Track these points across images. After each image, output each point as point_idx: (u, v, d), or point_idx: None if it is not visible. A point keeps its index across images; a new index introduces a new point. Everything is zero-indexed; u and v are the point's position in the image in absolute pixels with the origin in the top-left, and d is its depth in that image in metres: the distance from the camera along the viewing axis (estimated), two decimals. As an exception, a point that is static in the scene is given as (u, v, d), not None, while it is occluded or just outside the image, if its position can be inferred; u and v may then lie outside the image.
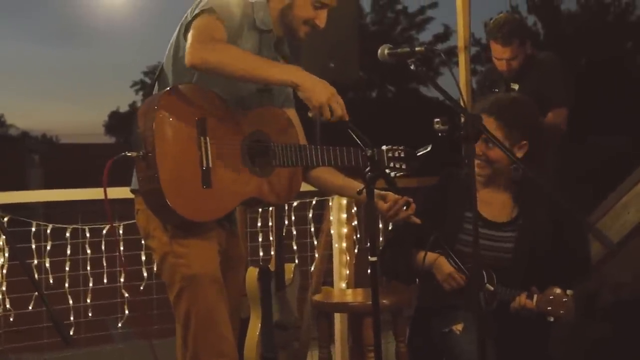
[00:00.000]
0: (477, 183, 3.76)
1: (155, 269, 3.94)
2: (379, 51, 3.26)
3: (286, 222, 5.13)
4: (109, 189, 4.65)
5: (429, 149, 3.45)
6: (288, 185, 3.36)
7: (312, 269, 5.39)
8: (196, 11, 3.09)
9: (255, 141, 3.22)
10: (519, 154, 3.72)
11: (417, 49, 3.26)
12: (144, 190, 3.07)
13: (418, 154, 3.45)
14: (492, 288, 3.59)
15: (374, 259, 3.09)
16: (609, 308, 5.08)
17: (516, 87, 5.24)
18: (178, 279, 3.13)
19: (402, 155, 3.42)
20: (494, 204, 3.84)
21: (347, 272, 5.41)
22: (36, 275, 4.61)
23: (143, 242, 3.47)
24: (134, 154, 3.00)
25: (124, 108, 49.53)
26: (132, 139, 3.07)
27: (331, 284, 5.43)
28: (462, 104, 3.28)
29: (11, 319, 4.67)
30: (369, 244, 5.50)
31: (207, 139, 3.05)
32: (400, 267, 3.83)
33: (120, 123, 48.70)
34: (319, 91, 3.03)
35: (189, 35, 3.06)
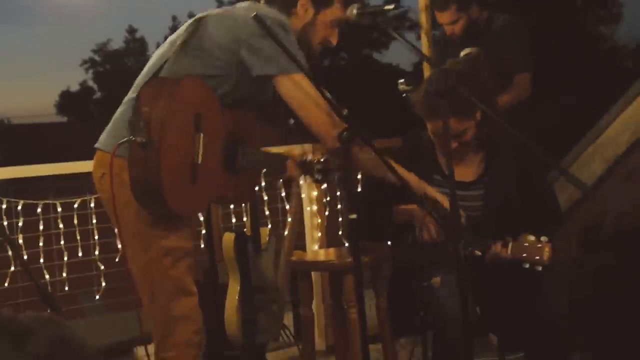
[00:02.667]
0: (438, 144, 3.82)
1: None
2: (347, 11, 3.28)
3: (256, 188, 5.16)
4: (82, 162, 4.66)
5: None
6: (250, 185, 3.47)
7: (285, 232, 5.42)
8: (288, 66, 3.10)
9: (232, 142, 3.23)
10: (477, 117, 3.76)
11: (386, 7, 3.29)
12: (135, 176, 2.98)
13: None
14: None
15: (354, 216, 3.09)
16: (611, 238, 5.17)
17: (475, 50, 5.07)
18: (153, 247, 3.12)
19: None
20: (459, 164, 3.84)
21: (319, 234, 5.46)
22: (10, 252, 4.58)
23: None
24: (139, 139, 2.91)
25: (75, 87, 49.08)
26: (131, 121, 2.99)
27: (303, 248, 5.48)
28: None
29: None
30: (340, 204, 5.65)
31: (201, 135, 3.04)
32: (377, 223, 3.85)
33: (71, 102, 48.24)
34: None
35: (302, 104, 3.17)
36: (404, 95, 3.93)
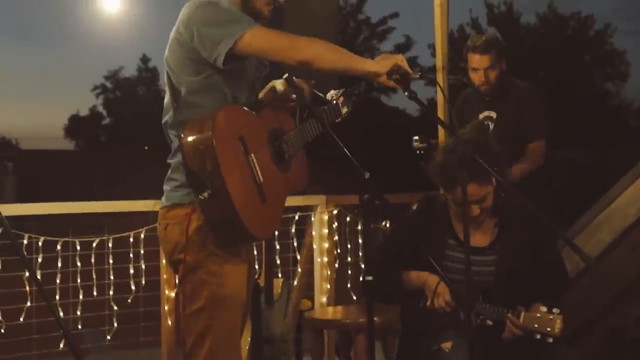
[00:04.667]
0: (455, 213, 3.91)
1: (176, 281, 3.90)
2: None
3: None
4: (103, 203, 4.75)
5: (362, 85, 3.68)
6: (302, 173, 3.49)
7: (295, 283, 5.50)
8: (233, 31, 3.13)
9: (275, 139, 3.32)
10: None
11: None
12: (213, 220, 3.07)
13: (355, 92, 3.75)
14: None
15: (370, 277, 3.17)
16: (636, 343, 5.23)
17: (493, 114, 5.30)
18: (205, 295, 3.19)
19: (343, 97, 3.67)
20: (473, 230, 3.91)
21: (328, 286, 5.54)
22: (27, 288, 4.67)
23: (164, 257, 3.42)
24: (206, 194, 3.00)
25: (84, 112, 49.32)
26: (188, 176, 3.09)
27: (312, 298, 5.56)
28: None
29: (2, 330, 4.72)
30: (350, 257, 5.72)
31: (252, 155, 3.13)
32: (390, 286, 3.93)
33: (80, 127, 48.46)
34: (386, 64, 3.26)
35: (268, 46, 3.16)
36: (418, 152, 4.02)
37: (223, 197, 2.98)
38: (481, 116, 5.30)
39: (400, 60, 3.29)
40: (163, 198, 3.32)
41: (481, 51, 5.22)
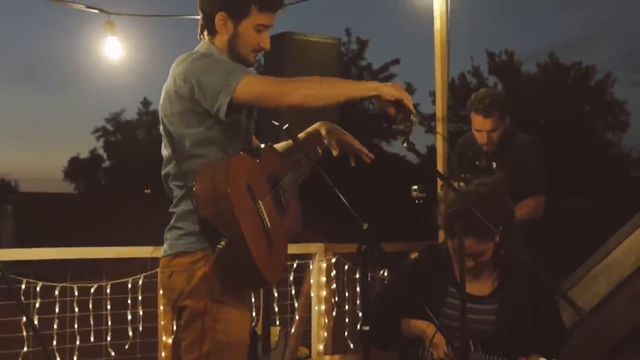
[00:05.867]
0: (456, 259, 3.94)
1: (175, 327, 3.89)
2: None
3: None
4: (101, 249, 4.78)
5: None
6: (297, 217, 3.50)
7: (292, 330, 5.50)
8: (230, 81, 3.15)
9: (274, 184, 3.34)
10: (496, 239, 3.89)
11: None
12: (228, 268, 3.08)
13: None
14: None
15: (367, 328, 3.18)
16: None
17: (494, 165, 5.25)
18: (208, 341, 3.18)
19: None
20: (475, 280, 3.98)
21: (325, 334, 5.54)
22: (24, 333, 4.68)
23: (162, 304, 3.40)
24: (222, 243, 3.00)
25: (84, 154, 49.52)
26: (201, 224, 3.08)
27: (309, 346, 5.55)
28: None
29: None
30: (345, 307, 5.73)
31: (260, 202, 3.15)
32: (388, 334, 3.95)
33: (80, 169, 48.62)
34: (391, 88, 3.24)
35: (259, 94, 3.17)
36: (417, 202, 4.05)
37: (240, 245, 3.00)
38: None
39: (407, 97, 3.28)
40: (165, 246, 3.32)
41: (484, 114, 5.19)
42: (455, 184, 3.84)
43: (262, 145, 3.45)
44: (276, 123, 3.38)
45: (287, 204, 3.39)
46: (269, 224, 3.15)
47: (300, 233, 3.66)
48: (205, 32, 3.42)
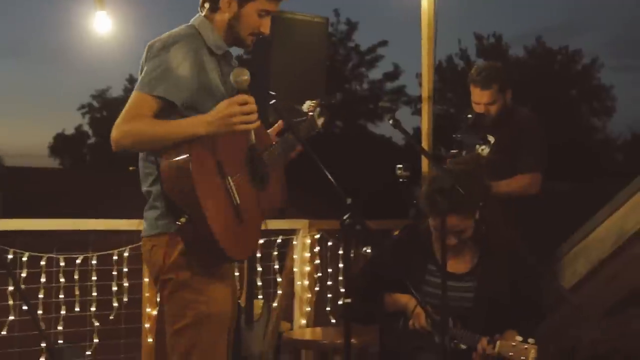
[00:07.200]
0: (438, 237, 4.00)
1: (157, 298, 3.89)
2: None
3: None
4: (88, 221, 4.82)
5: (337, 97, 3.77)
6: (279, 190, 3.53)
7: (275, 304, 5.56)
8: (138, 83, 3.26)
9: (253, 158, 3.35)
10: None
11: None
12: (192, 243, 3.14)
13: (323, 103, 3.80)
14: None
15: (349, 300, 3.24)
16: None
17: (492, 139, 5.22)
18: (190, 314, 3.24)
19: (319, 108, 3.75)
20: (453, 256, 4.02)
21: (308, 309, 5.61)
22: (10, 302, 4.73)
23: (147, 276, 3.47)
24: (183, 220, 3.06)
25: (70, 130, 49.29)
26: (165, 201, 3.16)
27: (292, 320, 5.62)
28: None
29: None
30: (328, 283, 5.79)
31: (229, 178, 3.19)
32: (370, 308, 4.02)
33: (65, 145, 48.40)
34: (223, 123, 3.15)
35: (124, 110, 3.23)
36: (401, 180, 4.11)
37: (199, 222, 3.04)
38: (479, 149, 5.21)
39: (233, 104, 3.17)
40: (146, 225, 3.36)
41: (482, 86, 5.14)
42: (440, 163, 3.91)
43: None
44: (272, 93, 3.43)
45: (267, 178, 3.42)
46: (237, 199, 3.18)
47: (283, 206, 3.71)
48: (207, 5, 3.42)
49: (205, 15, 3.42)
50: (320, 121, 3.75)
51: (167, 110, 3.20)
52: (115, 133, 3.16)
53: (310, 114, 3.73)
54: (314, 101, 3.78)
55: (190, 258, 3.22)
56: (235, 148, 3.28)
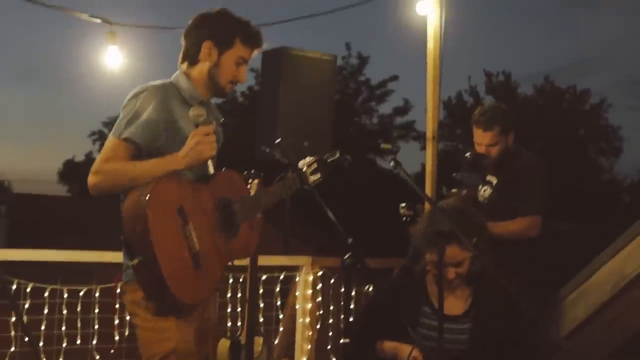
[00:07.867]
0: (433, 279, 4.02)
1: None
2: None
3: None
4: (92, 253, 4.86)
5: (337, 155, 3.82)
6: (249, 239, 3.60)
7: (276, 341, 5.57)
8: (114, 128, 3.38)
9: (223, 208, 3.44)
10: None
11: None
12: (145, 285, 3.22)
13: (328, 161, 3.91)
14: None
15: (347, 340, 3.26)
16: None
17: (494, 180, 5.20)
18: (157, 351, 3.32)
19: (316, 165, 3.85)
20: (448, 298, 4.02)
21: (309, 347, 5.61)
22: (12, 333, 4.75)
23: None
24: (135, 261, 3.15)
25: (80, 157, 49.37)
26: (125, 244, 3.23)
27: (292, 358, 5.62)
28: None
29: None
30: (329, 320, 5.80)
31: (190, 224, 3.27)
32: (366, 355, 4.02)
33: (74, 172, 48.43)
34: (193, 153, 3.31)
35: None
36: (404, 219, 4.13)
37: (151, 264, 3.11)
38: (482, 190, 5.21)
39: (201, 135, 3.36)
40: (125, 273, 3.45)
41: (484, 127, 5.12)
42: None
43: (217, 170, 3.52)
44: (267, 150, 3.52)
45: (238, 226, 3.50)
46: (197, 246, 3.27)
47: (251, 255, 3.87)
48: (187, 61, 3.60)
49: (183, 72, 3.59)
50: (314, 178, 3.84)
51: (137, 155, 3.34)
52: (92, 177, 3.29)
53: (303, 170, 3.81)
54: (312, 158, 3.87)
55: (148, 303, 3.31)
56: (202, 197, 3.38)
